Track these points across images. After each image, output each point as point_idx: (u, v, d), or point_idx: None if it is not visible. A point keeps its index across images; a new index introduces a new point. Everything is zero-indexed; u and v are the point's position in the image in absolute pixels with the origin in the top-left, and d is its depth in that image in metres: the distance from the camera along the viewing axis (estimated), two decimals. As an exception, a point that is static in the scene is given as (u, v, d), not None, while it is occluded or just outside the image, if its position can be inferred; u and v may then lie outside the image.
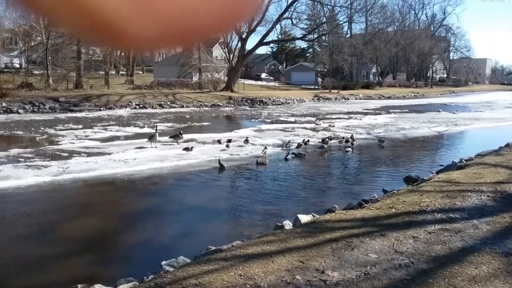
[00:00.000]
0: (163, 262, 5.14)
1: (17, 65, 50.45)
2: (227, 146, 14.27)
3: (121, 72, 53.11)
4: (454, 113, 32.28)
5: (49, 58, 38.35)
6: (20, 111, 26.95)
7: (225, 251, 5.12)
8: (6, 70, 44.27)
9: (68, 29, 0.39)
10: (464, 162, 10.76)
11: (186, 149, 13.46)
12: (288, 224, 6.18)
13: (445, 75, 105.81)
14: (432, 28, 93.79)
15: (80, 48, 40.19)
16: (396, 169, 12.53)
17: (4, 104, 27.33)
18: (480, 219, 5.49)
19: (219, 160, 12.13)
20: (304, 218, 6.30)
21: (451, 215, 5.70)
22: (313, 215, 6.59)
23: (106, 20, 0.37)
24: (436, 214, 5.78)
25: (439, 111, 33.59)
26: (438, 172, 10.32)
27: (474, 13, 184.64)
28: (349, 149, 15.17)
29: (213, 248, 5.47)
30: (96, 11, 0.37)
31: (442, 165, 11.78)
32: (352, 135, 16.78)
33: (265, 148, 13.79)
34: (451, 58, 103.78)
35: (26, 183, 9.69)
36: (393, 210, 6.13)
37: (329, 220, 5.99)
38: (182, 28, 0.40)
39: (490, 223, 5.33)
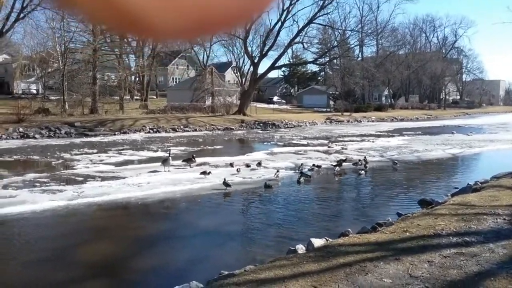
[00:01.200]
0: (176, 287, 5.14)
1: (34, 91, 51.72)
2: (238, 170, 14.26)
3: (135, 97, 53.95)
4: (468, 135, 31.99)
5: (65, 84, 39.25)
6: (37, 136, 27.45)
7: (237, 275, 5.10)
8: (23, 96, 45.34)
9: (92, 18, 0.43)
10: (480, 184, 10.63)
11: (204, 173, 13.51)
12: (301, 248, 6.14)
13: (458, 97, 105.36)
14: (443, 51, 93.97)
15: (96, 74, 41.08)
16: (410, 192, 12.40)
17: (21, 129, 27.90)
18: (496, 243, 5.40)
19: (224, 179, 12.26)
20: (317, 242, 6.25)
21: (467, 238, 5.62)
22: (326, 239, 6.54)
23: (130, 10, 0.41)
24: (451, 237, 5.71)
25: (453, 133, 33.33)
26: (453, 195, 10.19)
27: (486, 35, 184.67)
28: (363, 171, 15.09)
29: (226, 272, 5.45)
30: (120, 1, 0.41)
31: (457, 188, 11.63)
32: (365, 157, 16.71)
33: (278, 171, 13.80)
34: (464, 80, 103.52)
35: (42, 208, 9.81)
36: (408, 233, 6.06)
37: (343, 244, 5.95)
38: (203, 18, 0.42)
39: (507, 247, 5.24)
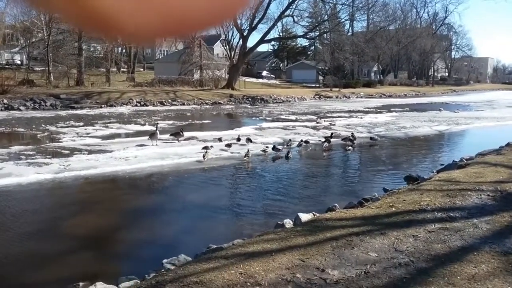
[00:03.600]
0: (164, 260, 5.16)
1: (18, 62, 50.51)
2: (229, 145, 14.18)
3: (122, 69, 53.14)
4: (455, 112, 32.27)
5: (50, 54, 38.39)
6: (21, 108, 27.00)
7: (226, 249, 5.13)
8: (7, 66, 44.31)
9: (65, 17, 0.41)
10: (465, 161, 10.77)
11: (206, 147, 13.40)
12: (288, 223, 6.20)
13: (447, 74, 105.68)
14: (434, 27, 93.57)
15: (81, 44, 40.25)
16: (397, 168, 12.54)
17: (5, 101, 27.39)
18: (480, 218, 5.51)
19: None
20: (304, 216, 6.31)
21: (451, 214, 5.72)
22: (313, 214, 6.60)
23: (102, 9, 0.39)
24: (436, 213, 5.80)
25: (440, 110, 33.57)
26: (438, 171, 10.33)
27: (476, 12, 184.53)
28: (350, 148, 15.18)
29: (214, 246, 5.48)
30: (95, 4, 0.39)
31: (443, 164, 11.79)
32: (352, 133, 16.78)
33: (266, 147, 13.74)
34: (452, 57, 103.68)
35: (28, 181, 9.72)
36: (393, 209, 6.15)
37: (330, 218, 6.01)
38: (177, 18, 0.41)
39: (490, 222, 5.35)
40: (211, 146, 13.52)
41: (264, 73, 73.14)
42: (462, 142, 19.84)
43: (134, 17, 0.40)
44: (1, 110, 26.17)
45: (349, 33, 70.42)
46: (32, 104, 28.03)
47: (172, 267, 4.88)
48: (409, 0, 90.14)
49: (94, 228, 7.41)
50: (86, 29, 0.42)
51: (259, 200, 8.93)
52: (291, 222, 6.23)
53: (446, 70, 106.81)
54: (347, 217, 6.00)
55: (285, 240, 5.03)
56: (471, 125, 23.96)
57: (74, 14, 0.40)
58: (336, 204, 7.43)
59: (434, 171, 10.87)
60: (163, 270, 4.91)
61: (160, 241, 6.82)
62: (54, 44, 39.71)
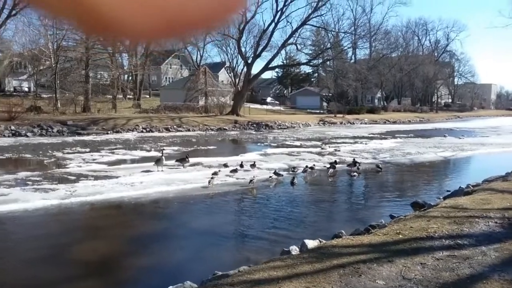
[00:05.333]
0: (170, 287, 5.14)
1: (26, 89, 51.26)
2: (235, 170, 14.24)
3: (128, 96, 53.72)
4: (460, 138, 32.24)
5: (58, 82, 39.00)
6: (29, 134, 27.26)
7: (231, 276, 5.11)
8: (15, 93, 45.00)
9: (67, 20, 0.43)
10: (471, 188, 10.72)
11: (215, 173, 13.52)
12: (294, 250, 6.17)
13: (450, 100, 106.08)
14: (436, 54, 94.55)
15: (88, 72, 40.87)
16: (403, 195, 12.49)
17: (13, 127, 27.70)
18: (488, 246, 5.46)
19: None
20: (311, 243, 6.28)
21: (459, 241, 5.67)
22: (320, 241, 6.57)
23: (98, 10, 0.41)
24: (443, 240, 5.76)
25: (445, 136, 33.57)
26: (445, 198, 10.28)
27: (477, 39, 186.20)
28: (355, 174, 15.16)
29: (220, 273, 5.46)
30: (94, 2, 0.40)
31: (449, 191, 11.74)
32: (354, 159, 16.69)
33: (275, 173, 13.73)
34: (455, 83, 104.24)
35: (34, 206, 9.75)
36: (401, 236, 6.11)
37: (336, 245, 5.98)
38: (173, 20, 0.43)
39: (498, 250, 5.30)
40: (219, 171, 13.58)
41: (269, 99, 73.74)
42: (467, 168, 19.76)
43: (134, 17, 0.41)
44: (9, 136, 26.43)
45: (352, 61, 71.28)
46: (39, 131, 28.30)
47: (178, 295, 4.85)
48: (410, 28, 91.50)
49: (100, 254, 7.39)
50: (88, 32, 0.45)
51: (265, 227, 8.89)
52: (297, 249, 6.20)
53: (450, 96, 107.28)
54: (354, 244, 5.96)
55: (292, 267, 5.00)
56: (477, 151, 23.88)
57: (75, 16, 0.42)
58: (342, 231, 7.39)
59: (441, 197, 10.82)
60: (169, 297, 4.88)
61: (165, 268, 6.77)
62: (62, 71, 40.40)
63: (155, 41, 0.47)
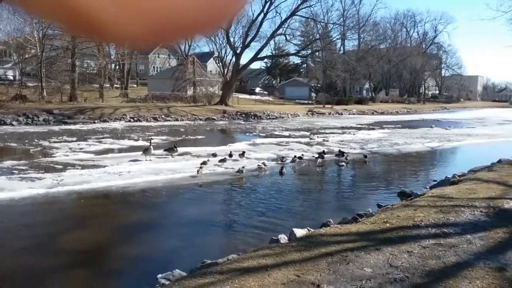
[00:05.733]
0: (159, 276, 5.13)
1: (11, 77, 50.41)
2: (224, 160, 14.23)
3: (115, 85, 53.17)
4: (446, 129, 32.59)
5: (43, 70, 38.40)
6: (14, 123, 26.88)
7: (220, 264, 5.12)
8: (-1, 82, 44.21)
9: (56, 21, 0.42)
10: (457, 177, 10.86)
11: (204, 162, 13.50)
12: (283, 238, 6.20)
13: (437, 92, 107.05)
14: (423, 46, 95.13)
15: (75, 61, 40.31)
16: (390, 184, 12.61)
17: (-3, 116, 27.26)
18: (473, 234, 5.54)
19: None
20: (299, 232, 6.32)
21: (445, 230, 5.75)
22: (308, 229, 6.61)
23: (90, 14, 0.39)
24: (430, 229, 5.83)
25: (431, 126, 33.90)
26: (431, 187, 10.41)
27: (465, 31, 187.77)
28: (343, 163, 15.25)
29: (209, 261, 5.47)
30: (81, 5, 0.39)
31: (436, 181, 11.88)
32: (339, 150, 16.77)
33: (264, 164, 13.72)
34: (443, 75, 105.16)
35: (20, 195, 9.64)
36: (388, 224, 6.17)
37: (324, 234, 6.02)
38: (165, 24, 0.41)
39: (484, 238, 5.39)
40: (208, 160, 13.56)
41: (257, 89, 73.64)
42: (454, 158, 20.00)
43: (126, 20, 0.40)
44: (-7, 125, 26.03)
45: (341, 52, 71.35)
46: (24, 119, 27.93)
47: (167, 282, 4.85)
48: (399, 20, 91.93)
49: (87, 243, 7.34)
50: (77, 33, 0.43)
51: (254, 215, 8.91)
52: (286, 238, 6.24)
53: (437, 88, 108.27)
54: (342, 233, 6.01)
55: (280, 255, 5.02)
56: (463, 142, 24.17)
57: (65, 17, 0.40)
58: (330, 220, 7.45)
59: (427, 187, 10.94)
60: (157, 285, 4.88)
61: (154, 256, 6.77)
62: (47, 60, 39.77)
63: (146, 44, 0.45)
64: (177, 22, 0.41)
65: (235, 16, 0.47)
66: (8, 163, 13.49)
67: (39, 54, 39.32)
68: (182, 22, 0.41)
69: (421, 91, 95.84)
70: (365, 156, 16.53)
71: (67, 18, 0.40)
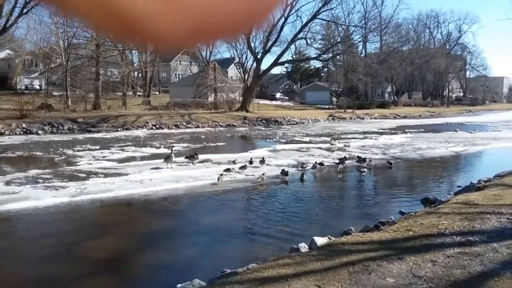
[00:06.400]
0: (178, 285, 5.14)
1: (37, 87, 51.80)
2: (244, 167, 14.21)
3: (138, 93, 53.98)
4: (471, 132, 31.88)
5: (68, 79, 39.29)
6: (40, 132, 27.52)
7: (240, 274, 5.09)
8: (26, 91, 45.41)
9: (94, 25, 0.41)
10: (483, 183, 10.59)
11: (228, 170, 13.61)
12: (304, 247, 6.14)
13: (462, 94, 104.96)
14: (447, 47, 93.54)
15: (99, 70, 41.11)
16: (413, 191, 12.38)
17: (24, 125, 27.97)
18: (500, 243, 5.38)
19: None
20: (320, 240, 6.25)
21: (470, 238, 5.60)
22: (329, 238, 6.54)
23: (134, 17, 0.39)
24: (454, 237, 5.69)
25: (456, 130, 33.23)
26: (456, 194, 10.17)
27: (490, 31, 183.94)
28: (365, 169, 15.06)
29: (229, 271, 5.45)
30: (125, 8, 0.38)
31: (460, 186, 11.60)
32: (357, 156, 16.52)
33: (284, 171, 13.56)
34: (467, 76, 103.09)
35: (45, 204, 9.84)
36: (411, 232, 6.05)
37: (346, 242, 5.93)
38: (208, 25, 0.41)
39: (511, 247, 5.22)
40: (233, 169, 13.61)
41: (278, 95, 73.59)
42: (479, 163, 19.54)
43: (165, 20, 0.40)
44: (20, 134, 26.70)
45: (362, 55, 70.73)
46: (50, 128, 28.56)
47: (187, 292, 4.85)
48: (422, 21, 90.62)
49: (109, 251, 7.43)
50: (114, 35, 0.43)
51: (274, 224, 8.86)
52: (307, 246, 6.18)
53: (461, 90, 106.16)
54: (363, 241, 5.91)
55: (301, 264, 4.97)
56: (488, 146, 23.60)
57: (102, 19, 0.40)
58: (351, 228, 7.34)
59: (452, 193, 10.70)
60: (177, 295, 4.88)
61: (174, 265, 6.79)
62: (72, 69, 40.70)
63: (185, 47, 0.44)
64: (218, 21, 0.41)
65: (272, 11, 0.46)
66: (33, 172, 13.80)
67: (64, 63, 40.27)
68: (223, 21, 0.41)
69: (444, 94, 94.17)
70: (390, 163, 16.14)
71: (107, 17, 0.40)
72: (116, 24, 0.40)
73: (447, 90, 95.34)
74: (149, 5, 0.39)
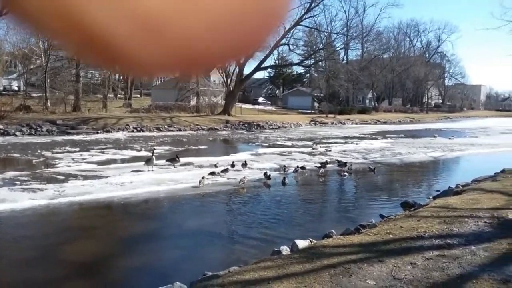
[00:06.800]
0: (159, 288, 5.08)
1: (16, 88, 50.73)
2: (226, 170, 14.17)
3: (119, 96, 53.39)
4: (449, 138, 32.47)
5: (48, 81, 38.62)
6: (17, 133, 26.94)
7: (222, 276, 5.07)
8: (4, 92, 44.50)
9: (72, 51, 0.40)
10: (461, 187, 10.79)
11: (212, 173, 13.64)
12: (285, 250, 6.15)
13: (440, 101, 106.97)
14: (427, 55, 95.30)
15: (79, 71, 40.56)
16: (393, 194, 12.53)
17: (1, 127, 27.35)
18: (477, 245, 5.48)
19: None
20: (301, 243, 6.27)
21: (449, 241, 5.69)
22: (310, 240, 6.56)
23: (115, 45, 0.37)
24: (433, 240, 5.77)
25: (435, 136, 33.79)
26: (434, 198, 10.33)
27: (468, 41, 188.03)
28: (346, 173, 15.18)
29: (210, 273, 5.42)
30: (105, 36, 0.37)
31: (439, 191, 11.80)
32: (337, 160, 16.66)
33: (266, 174, 13.53)
34: (446, 84, 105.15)
35: (22, 207, 9.62)
36: (391, 235, 6.11)
37: (327, 245, 5.96)
38: (191, 55, 0.39)
39: (488, 250, 5.32)
40: (218, 173, 13.58)
41: (260, 99, 73.69)
42: (457, 168, 19.90)
43: (144, 48, 0.38)
44: (-3, 135, 26.11)
45: (344, 61, 71.54)
46: (28, 130, 27.99)
47: (168, 295, 4.80)
48: (402, 30, 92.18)
49: (88, 255, 7.30)
50: (85, 58, 0.41)
51: (256, 227, 8.85)
52: (288, 249, 6.19)
53: (440, 97, 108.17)
54: (344, 244, 5.95)
55: (282, 267, 4.97)
56: (466, 152, 24.06)
57: (74, 40, 0.38)
58: (333, 231, 7.39)
59: (430, 197, 10.87)
60: (158, 298, 4.82)
61: (155, 268, 6.71)
62: (52, 70, 40.00)
63: (170, 74, 0.43)
64: (202, 53, 0.40)
65: (264, 45, 0.44)
66: (10, 174, 13.50)
67: (44, 64, 39.60)
68: (207, 53, 0.40)
69: (424, 101, 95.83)
70: (371, 169, 16.15)
71: (81, 41, 0.38)
72: (89, 46, 0.38)
73: (426, 97, 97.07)
74: (130, 32, 0.37)
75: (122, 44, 0.37)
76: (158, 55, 0.38)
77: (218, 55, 0.40)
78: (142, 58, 0.38)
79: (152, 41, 0.38)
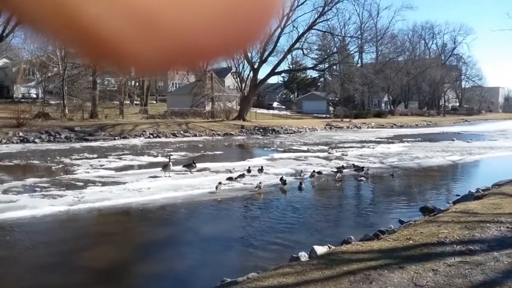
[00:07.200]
0: (179, 294, 5.10)
1: (34, 95, 51.73)
2: (242, 175, 14.14)
3: (135, 102, 53.98)
4: (468, 141, 31.98)
5: (65, 88, 39.29)
6: (37, 140, 27.42)
7: (240, 283, 5.06)
8: (23, 100, 45.36)
9: (68, 46, 0.40)
10: (481, 192, 10.60)
11: (230, 178, 13.64)
12: (304, 256, 6.11)
13: (458, 104, 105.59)
14: (442, 57, 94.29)
15: (96, 78, 41.13)
16: (412, 199, 12.38)
17: (21, 134, 27.88)
18: (500, 251, 5.37)
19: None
20: (320, 249, 6.22)
21: (471, 247, 5.59)
22: (329, 247, 6.51)
23: (108, 39, 0.37)
24: (455, 246, 5.68)
25: (453, 139, 33.32)
26: (455, 203, 10.17)
27: (485, 42, 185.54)
28: (363, 178, 15.05)
29: (228, 280, 5.41)
30: (98, 30, 0.37)
31: (459, 195, 11.60)
32: (353, 164, 16.54)
33: (282, 179, 13.48)
34: (463, 86, 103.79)
35: (42, 213, 9.77)
36: (411, 241, 6.03)
37: (346, 251, 5.91)
38: (187, 49, 0.39)
39: (511, 256, 5.21)
40: (236, 178, 13.58)
41: (275, 104, 73.70)
42: (477, 172, 19.58)
43: (143, 46, 0.38)
44: (17, 142, 26.60)
45: (359, 65, 71.10)
46: (47, 137, 28.47)
47: (187, 302, 4.81)
48: (417, 32, 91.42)
49: (107, 261, 7.37)
50: (94, 60, 0.41)
51: (273, 232, 8.83)
52: (306, 255, 6.14)
53: (457, 100, 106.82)
54: (363, 250, 5.89)
55: (301, 274, 4.94)
56: (485, 155, 23.65)
57: (81, 42, 0.39)
58: (351, 236, 7.31)
59: (450, 202, 10.70)
60: (177, 305, 4.83)
61: (173, 275, 6.74)
62: (69, 78, 40.70)
63: (164, 70, 0.43)
64: (198, 45, 0.39)
65: (260, 40, 0.44)
66: (30, 180, 13.73)
67: (61, 72, 40.29)
68: (203, 45, 0.40)
69: (440, 104, 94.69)
70: (391, 175, 16.00)
71: (77, 40, 0.38)
72: (88, 44, 0.39)
73: (443, 100, 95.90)
74: (122, 26, 0.37)
75: (117, 39, 0.37)
76: (153, 49, 0.39)
77: (214, 48, 0.41)
78: (138, 53, 0.39)
79: (146, 36, 0.38)
